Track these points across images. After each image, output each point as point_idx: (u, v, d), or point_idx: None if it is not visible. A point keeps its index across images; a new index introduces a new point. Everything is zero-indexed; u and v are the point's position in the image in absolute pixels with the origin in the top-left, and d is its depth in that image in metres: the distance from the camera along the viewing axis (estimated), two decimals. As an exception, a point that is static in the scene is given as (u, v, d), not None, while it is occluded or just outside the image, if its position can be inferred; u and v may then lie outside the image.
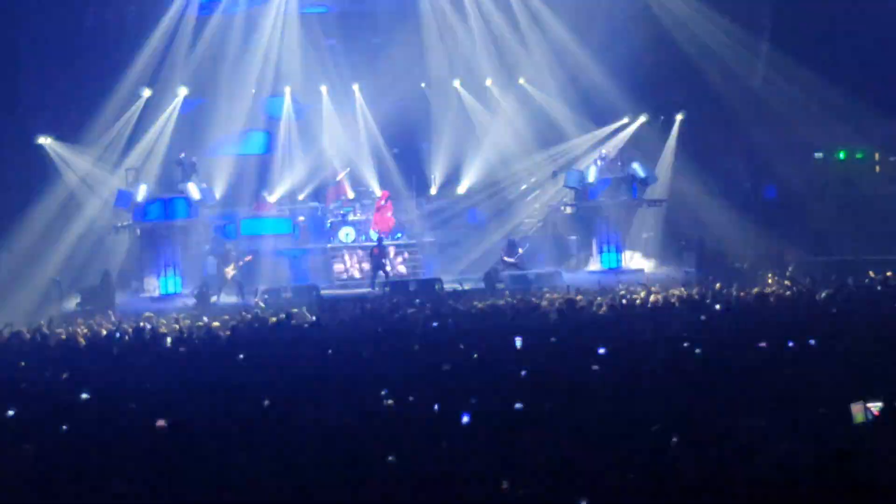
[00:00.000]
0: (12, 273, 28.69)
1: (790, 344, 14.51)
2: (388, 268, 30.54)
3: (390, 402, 12.18)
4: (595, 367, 13.37)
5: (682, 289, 23.98)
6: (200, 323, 21.60)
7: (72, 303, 28.05)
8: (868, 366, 13.13)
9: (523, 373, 13.56)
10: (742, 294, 22.26)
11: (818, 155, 34.70)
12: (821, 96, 31.87)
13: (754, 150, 33.31)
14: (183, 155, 31.05)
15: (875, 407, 10.81)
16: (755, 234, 31.29)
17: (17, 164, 29.84)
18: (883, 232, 30.45)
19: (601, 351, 14.78)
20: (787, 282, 24.20)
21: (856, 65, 32.12)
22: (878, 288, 21.77)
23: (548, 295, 24.22)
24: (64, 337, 20.42)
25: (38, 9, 29.46)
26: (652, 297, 22.09)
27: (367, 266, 31.37)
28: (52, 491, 9.57)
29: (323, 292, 28.64)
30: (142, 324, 21.85)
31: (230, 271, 29.23)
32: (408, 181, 34.23)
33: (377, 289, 29.00)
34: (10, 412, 12.29)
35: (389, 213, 31.95)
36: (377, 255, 30.13)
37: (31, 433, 11.35)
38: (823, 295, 20.46)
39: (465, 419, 11.27)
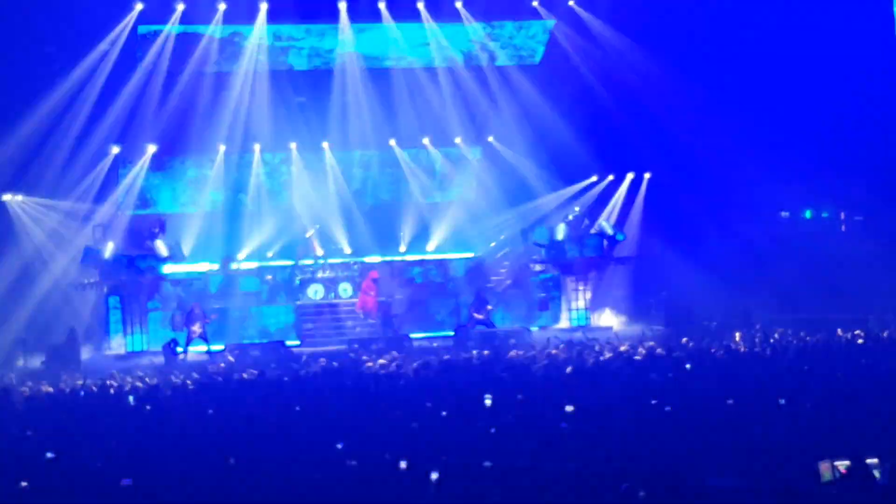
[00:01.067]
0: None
1: (759, 401, 14.52)
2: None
3: (353, 462, 12.09)
4: (563, 425, 13.32)
5: (651, 346, 23.97)
6: (172, 378, 21.46)
7: (37, 361, 27.76)
8: (836, 424, 13.16)
9: (492, 430, 13.51)
10: (712, 351, 22.30)
11: (784, 214, 34.97)
12: (786, 156, 32.17)
13: (721, 208, 33.48)
14: (155, 218, 31.04)
15: (842, 465, 10.82)
16: (723, 293, 31.38)
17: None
18: (849, 290, 30.61)
19: (569, 408, 14.75)
20: (755, 339, 24.25)
21: (820, 126, 32.45)
22: (845, 346, 21.87)
23: (514, 353, 24.17)
24: (28, 394, 20.19)
25: (3, 62, 29.36)
26: (621, 352, 22.08)
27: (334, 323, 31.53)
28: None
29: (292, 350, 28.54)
30: (108, 381, 21.65)
31: (197, 329, 29.09)
32: (377, 238, 34.23)
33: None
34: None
35: (373, 293, 31.75)
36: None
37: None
38: (791, 353, 20.54)
39: (434, 475, 11.20)
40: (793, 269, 31.51)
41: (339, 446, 12.45)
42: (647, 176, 34.44)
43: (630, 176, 34.69)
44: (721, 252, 33.25)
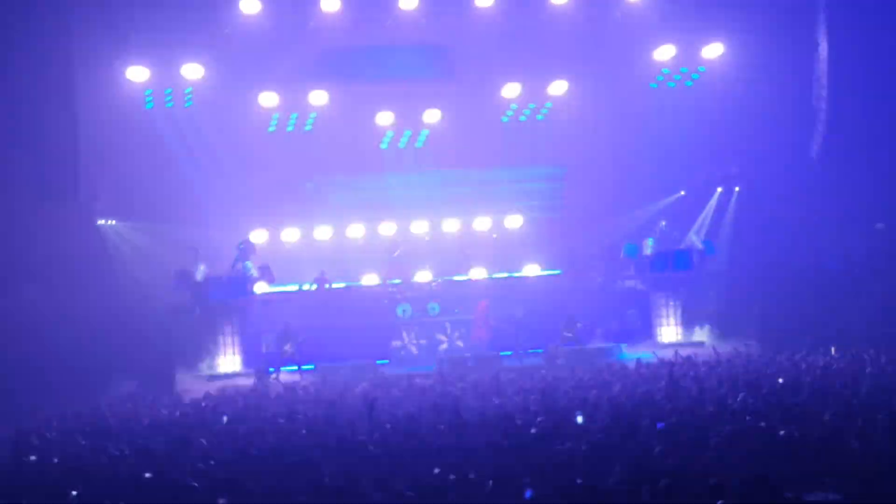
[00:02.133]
0: (74, 353, 28.87)
1: (856, 417, 14.27)
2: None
3: (452, 476, 12.10)
4: (658, 448, 13.18)
5: (744, 362, 23.68)
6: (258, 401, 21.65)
7: (132, 384, 28.16)
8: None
9: (584, 447, 13.43)
10: (805, 366, 21.97)
11: (880, 225, 34.30)
12: (880, 165, 31.67)
13: (814, 220, 33.00)
14: (243, 240, 31.41)
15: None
16: (817, 307, 30.90)
17: (80, 246, 30.09)
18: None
19: (659, 426, 14.63)
20: (850, 354, 23.83)
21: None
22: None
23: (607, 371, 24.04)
24: (124, 417, 20.50)
25: (97, 89, 29.88)
26: (715, 370, 21.86)
27: (423, 342, 31.54)
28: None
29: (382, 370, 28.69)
30: (202, 403, 21.91)
31: (288, 348, 29.34)
32: (462, 258, 34.30)
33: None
34: (74, 492, 12.32)
35: (483, 322, 31.83)
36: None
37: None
38: (888, 367, 20.17)
39: (528, 495, 11.17)
40: (890, 282, 30.90)
41: (436, 471, 12.44)
42: (736, 189, 34.06)
43: (719, 189, 34.32)
44: (815, 265, 32.76)
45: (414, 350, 31.64)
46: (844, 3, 31.76)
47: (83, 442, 16.86)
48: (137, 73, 29.77)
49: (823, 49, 32.04)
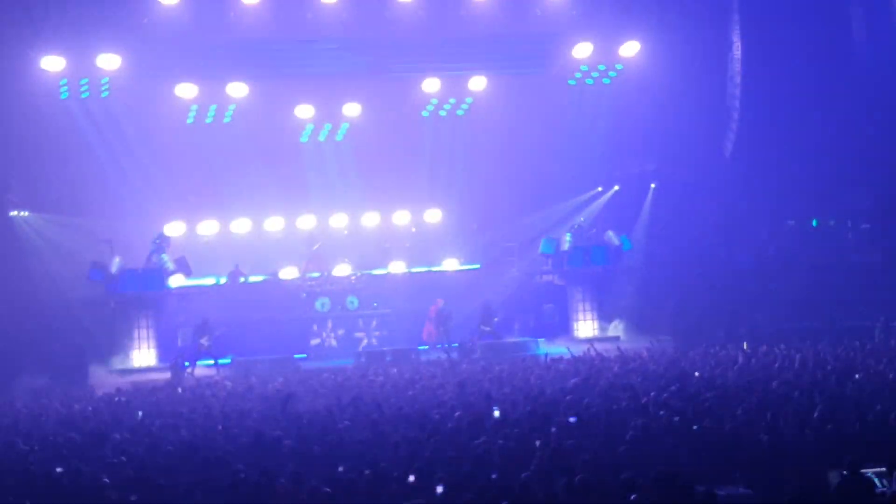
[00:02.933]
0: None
1: (766, 412, 14.51)
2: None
3: (367, 471, 12.12)
4: (570, 443, 13.30)
5: (657, 357, 23.96)
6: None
7: (44, 377, 27.75)
8: (841, 433, 13.16)
9: (500, 442, 13.52)
10: (718, 360, 22.29)
11: (791, 222, 34.91)
12: (793, 165, 32.24)
13: (727, 217, 33.47)
14: (159, 233, 31.12)
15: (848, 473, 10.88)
16: (730, 302, 31.35)
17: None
18: (856, 298, 30.59)
19: (572, 420, 14.78)
20: (760, 350, 24.22)
21: (827, 135, 32.45)
22: (853, 355, 21.85)
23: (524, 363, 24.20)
24: (35, 411, 20.23)
25: (8, 79, 29.44)
26: (628, 365, 22.10)
27: (341, 333, 31.54)
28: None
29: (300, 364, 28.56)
30: (116, 398, 21.68)
31: (205, 342, 29.10)
32: (386, 251, 34.32)
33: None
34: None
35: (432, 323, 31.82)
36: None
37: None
38: (797, 363, 20.53)
39: (440, 489, 11.23)
40: (800, 277, 31.46)
41: (340, 469, 12.46)
42: (652, 186, 34.39)
43: (653, 186, 34.50)
44: (728, 261, 33.22)
45: (333, 343, 31.55)
46: (758, 4, 32.29)
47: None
48: (52, 63, 29.17)
49: (737, 49, 32.53)
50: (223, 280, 32.26)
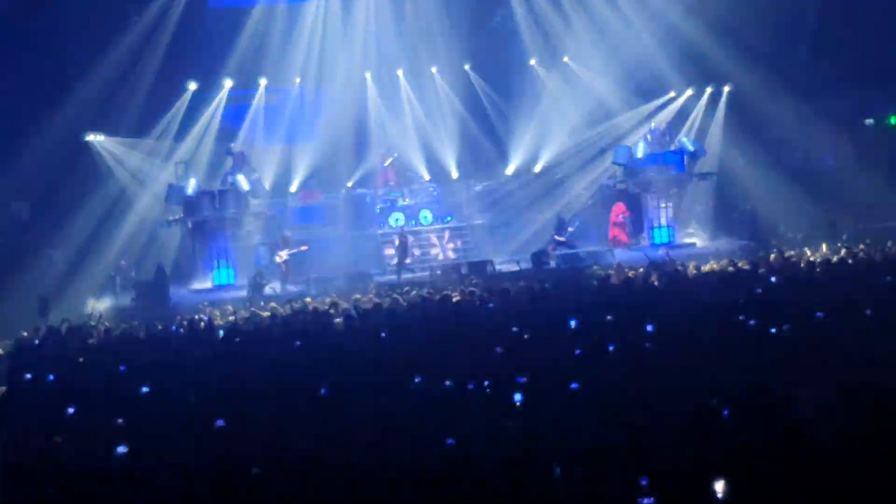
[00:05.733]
0: (67, 270, 28.95)
1: (846, 314, 14.35)
2: (408, 259, 30.44)
3: (448, 383, 12.20)
4: (647, 346, 13.28)
5: (736, 261, 23.74)
6: (252, 313, 21.72)
7: (126, 298, 28.27)
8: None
9: (577, 352, 13.52)
10: (797, 263, 22.04)
11: (869, 121, 34.26)
12: (870, 62, 31.55)
13: (803, 119, 32.92)
14: (233, 146, 31.30)
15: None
16: (807, 204, 30.99)
17: (68, 161, 30.03)
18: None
19: (650, 328, 14.71)
20: (842, 251, 23.91)
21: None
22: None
23: (600, 271, 24.12)
24: (119, 331, 20.58)
25: (83, 5, 29.65)
26: (706, 269, 21.95)
27: (416, 252, 31.54)
28: (111, 487, 9.66)
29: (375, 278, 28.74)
30: (196, 316, 21.98)
31: (284, 255, 29.26)
32: (457, 164, 34.35)
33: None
34: (70, 409, 12.40)
35: (618, 227, 31.82)
36: (402, 246, 30.18)
37: (90, 429, 11.45)
38: (879, 262, 20.23)
39: (518, 398, 11.27)
40: (878, 177, 30.95)
41: (417, 380, 12.51)
42: (726, 89, 33.88)
43: (709, 90, 34.14)
44: (805, 163, 32.77)
45: (408, 259, 31.68)
46: None
47: (79, 359, 16.94)
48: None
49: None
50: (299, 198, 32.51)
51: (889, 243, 23.76)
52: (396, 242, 30.20)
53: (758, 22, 31.76)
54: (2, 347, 23.10)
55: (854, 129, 33.63)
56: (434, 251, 32.09)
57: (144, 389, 13.32)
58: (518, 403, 11.23)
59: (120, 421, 11.64)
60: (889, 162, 31.81)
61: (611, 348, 13.38)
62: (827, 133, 32.82)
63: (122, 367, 15.17)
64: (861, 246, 23.55)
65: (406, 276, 28.92)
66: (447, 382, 12.28)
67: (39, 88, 29.36)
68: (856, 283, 17.40)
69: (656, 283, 20.25)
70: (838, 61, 31.93)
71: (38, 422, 12.13)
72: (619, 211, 31.77)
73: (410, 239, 30.84)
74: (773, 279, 19.51)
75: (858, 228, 28.68)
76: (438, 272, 28.82)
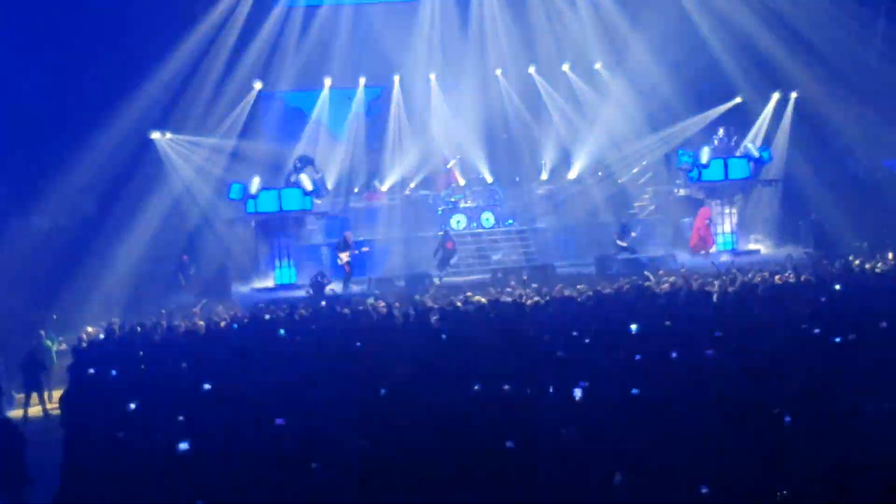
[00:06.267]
0: (131, 266, 29.22)
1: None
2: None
3: (507, 387, 12.17)
4: (709, 352, 13.19)
5: (800, 270, 23.50)
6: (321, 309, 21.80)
7: (190, 295, 28.49)
8: None
9: (637, 357, 13.46)
10: (862, 272, 21.79)
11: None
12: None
13: (870, 127, 32.48)
14: (301, 155, 31.47)
15: None
16: (874, 212, 30.60)
17: (133, 159, 30.31)
18: None
19: (717, 334, 14.60)
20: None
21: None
22: None
23: (664, 277, 23.97)
24: (183, 329, 20.75)
25: (149, 4, 29.95)
26: (770, 278, 21.74)
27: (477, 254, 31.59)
28: (175, 482, 9.74)
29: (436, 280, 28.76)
30: (260, 315, 22.09)
31: (345, 257, 29.36)
32: (518, 167, 34.28)
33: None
34: (132, 405, 12.51)
35: (703, 232, 31.65)
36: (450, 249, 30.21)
37: (154, 425, 11.54)
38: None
39: (578, 393, 11.23)
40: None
41: (476, 385, 12.50)
42: (793, 95, 33.54)
43: (776, 96, 33.80)
44: (869, 170, 32.37)
45: (471, 260, 31.62)
46: None
47: (141, 353, 17.12)
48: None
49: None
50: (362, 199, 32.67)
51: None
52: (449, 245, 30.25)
53: (825, 29, 31.44)
54: (67, 342, 23.46)
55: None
56: (496, 255, 31.98)
57: (206, 386, 13.42)
58: (578, 405, 11.19)
59: (181, 418, 11.74)
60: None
61: (673, 355, 13.31)
62: (892, 141, 32.33)
63: (184, 363, 15.31)
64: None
65: (452, 278, 29.06)
66: (506, 386, 12.26)
67: (107, 86, 29.67)
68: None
69: (720, 291, 20.09)
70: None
71: (101, 417, 12.26)
72: (704, 216, 31.49)
73: (450, 244, 30.74)
74: (836, 288, 19.30)
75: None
76: (500, 275, 28.75)
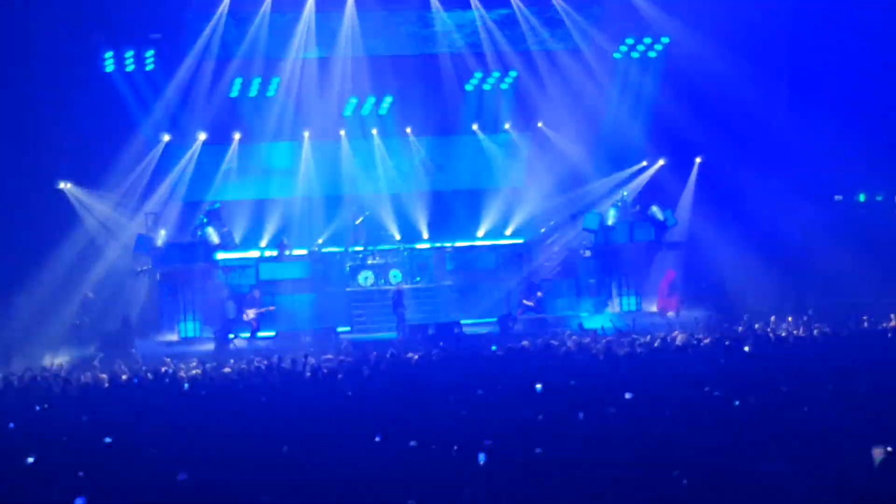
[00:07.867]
0: (32, 317, 28.76)
1: (810, 387, 14.43)
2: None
3: (413, 443, 12.16)
4: (612, 410, 13.31)
5: (701, 331, 23.88)
6: (223, 368, 21.63)
7: (91, 348, 28.09)
8: (889, 409, 13.05)
9: (541, 416, 13.52)
10: (768, 333, 22.18)
11: (838, 197, 34.59)
12: (839, 139, 31.92)
13: (773, 191, 33.20)
14: (208, 206, 31.25)
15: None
16: (775, 277, 31.19)
17: (38, 208, 29.92)
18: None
19: (626, 395, 14.72)
20: (807, 325, 24.09)
21: (873, 108, 32.12)
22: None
23: (570, 338, 24.17)
24: (84, 382, 20.44)
25: (56, 54, 29.69)
26: (674, 339, 22.04)
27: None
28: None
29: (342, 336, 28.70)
30: (162, 368, 21.87)
31: (251, 313, 29.23)
32: (428, 225, 34.40)
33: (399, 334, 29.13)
34: (30, 458, 12.27)
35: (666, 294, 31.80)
36: (397, 301, 30.25)
37: (52, 479, 11.33)
38: (840, 339, 20.39)
39: (482, 458, 11.24)
40: (846, 252, 31.21)
41: (377, 439, 12.49)
42: (697, 160, 34.17)
43: (698, 160, 34.25)
44: (773, 236, 33.01)
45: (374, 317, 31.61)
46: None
47: (38, 407, 16.81)
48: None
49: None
50: (269, 253, 32.45)
51: (853, 320, 23.99)
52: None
53: (730, 92, 32.11)
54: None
55: (823, 203, 33.89)
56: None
57: (107, 440, 13.22)
58: (482, 465, 11.20)
59: (81, 473, 11.53)
60: (857, 237, 32.06)
61: (580, 416, 13.39)
62: (796, 206, 33.06)
63: (84, 417, 15.06)
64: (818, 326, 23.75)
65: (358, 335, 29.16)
66: (412, 443, 12.25)
67: (14, 133, 29.35)
68: (819, 359, 17.50)
69: (620, 353, 20.30)
70: (810, 135, 32.24)
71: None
72: (668, 279, 31.83)
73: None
74: (746, 349, 19.63)
75: (824, 302, 28.89)
76: (407, 332, 28.81)
